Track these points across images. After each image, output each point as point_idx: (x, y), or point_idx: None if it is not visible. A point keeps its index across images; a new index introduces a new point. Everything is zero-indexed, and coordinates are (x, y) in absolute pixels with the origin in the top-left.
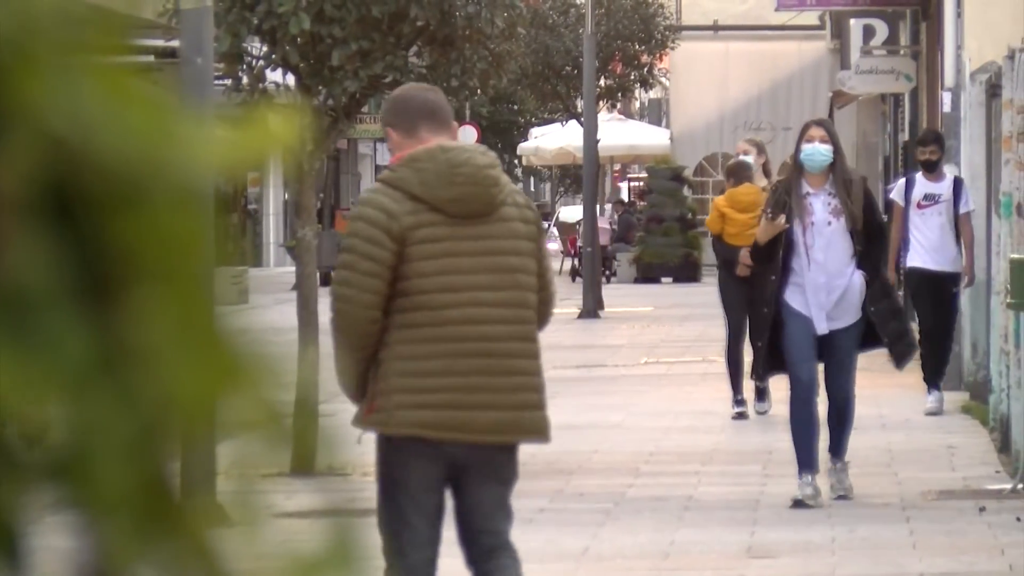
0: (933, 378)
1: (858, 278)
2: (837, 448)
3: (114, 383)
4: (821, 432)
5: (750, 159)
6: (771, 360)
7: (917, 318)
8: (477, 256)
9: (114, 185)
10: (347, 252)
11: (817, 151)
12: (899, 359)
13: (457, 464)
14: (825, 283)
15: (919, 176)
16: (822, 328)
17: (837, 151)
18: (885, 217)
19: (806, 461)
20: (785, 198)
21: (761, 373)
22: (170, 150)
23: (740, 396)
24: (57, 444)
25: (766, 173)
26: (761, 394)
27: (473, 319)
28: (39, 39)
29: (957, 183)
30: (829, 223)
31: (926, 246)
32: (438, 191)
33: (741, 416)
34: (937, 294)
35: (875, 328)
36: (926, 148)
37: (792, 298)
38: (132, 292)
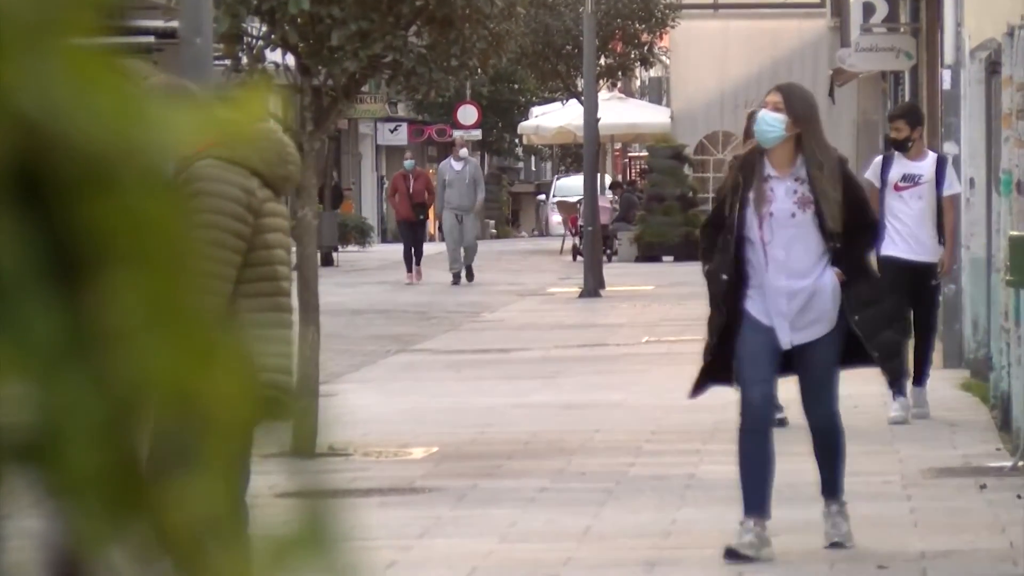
0: (901, 383)
1: (828, 280)
2: (831, 487)
3: (85, 365)
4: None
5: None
6: (712, 371)
7: None
8: (281, 232)
9: (84, 167)
10: (210, 229)
11: (763, 120)
12: (893, 378)
13: None
14: (786, 286)
15: (898, 155)
16: (786, 341)
17: (804, 122)
18: None
19: (753, 503)
20: (739, 179)
21: (693, 388)
22: (140, 132)
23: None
24: (27, 426)
25: None
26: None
27: (286, 292)
28: (9, 22)
29: (940, 162)
30: (793, 215)
31: (903, 232)
32: (276, 168)
33: None
34: (914, 288)
35: (860, 342)
36: (892, 124)
37: (751, 304)
38: (103, 274)
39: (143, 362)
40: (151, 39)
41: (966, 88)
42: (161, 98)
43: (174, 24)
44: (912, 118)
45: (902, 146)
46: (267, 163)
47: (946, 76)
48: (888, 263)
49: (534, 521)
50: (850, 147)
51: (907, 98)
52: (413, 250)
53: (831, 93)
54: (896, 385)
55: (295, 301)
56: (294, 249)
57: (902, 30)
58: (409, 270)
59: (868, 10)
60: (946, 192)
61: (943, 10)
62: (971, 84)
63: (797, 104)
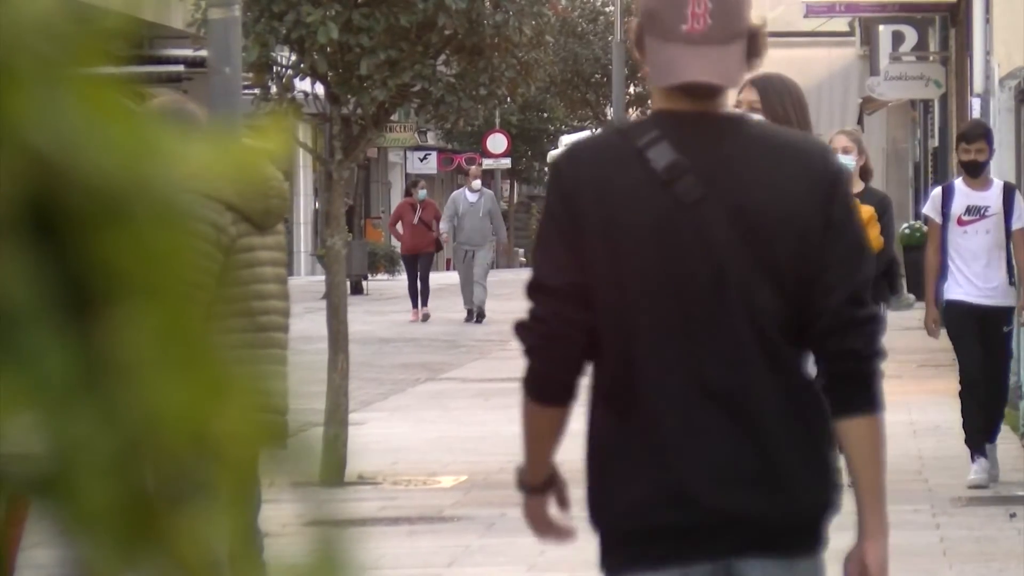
0: (979, 440)
1: None
2: None
3: (97, 398)
4: None
5: (851, 160)
6: None
7: (959, 364)
8: (270, 266)
9: (97, 201)
10: None
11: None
12: (966, 436)
13: None
14: None
15: (959, 184)
16: None
17: (784, 122)
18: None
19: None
20: None
21: None
22: (153, 166)
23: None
24: (40, 459)
25: (864, 176)
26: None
27: (275, 326)
28: (23, 54)
29: (1008, 191)
30: None
31: (968, 273)
32: (254, 203)
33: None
34: (984, 335)
35: None
36: (971, 145)
37: None
38: (115, 307)
39: (155, 395)
40: (180, 68)
41: (995, 116)
42: (175, 130)
43: (203, 53)
44: (991, 138)
45: (978, 169)
46: (243, 196)
47: (975, 104)
48: (953, 308)
49: (563, 550)
50: (879, 175)
51: (937, 126)
52: (419, 285)
53: (860, 121)
54: (972, 444)
55: (325, 329)
56: (323, 278)
57: (931, 59)
58: (415, 306)
59: (897, 38)
60: (1015, 225)
61: (972, 39)
62: (1000, 112)
63: (775, 101)
